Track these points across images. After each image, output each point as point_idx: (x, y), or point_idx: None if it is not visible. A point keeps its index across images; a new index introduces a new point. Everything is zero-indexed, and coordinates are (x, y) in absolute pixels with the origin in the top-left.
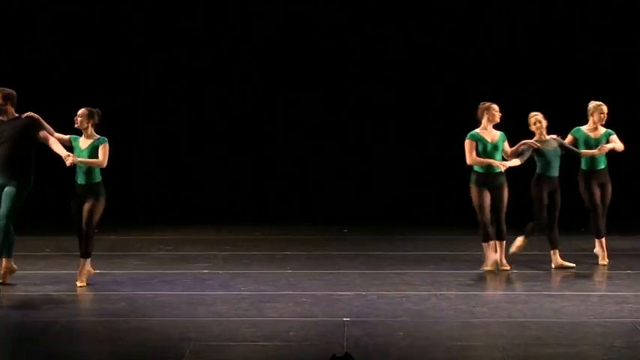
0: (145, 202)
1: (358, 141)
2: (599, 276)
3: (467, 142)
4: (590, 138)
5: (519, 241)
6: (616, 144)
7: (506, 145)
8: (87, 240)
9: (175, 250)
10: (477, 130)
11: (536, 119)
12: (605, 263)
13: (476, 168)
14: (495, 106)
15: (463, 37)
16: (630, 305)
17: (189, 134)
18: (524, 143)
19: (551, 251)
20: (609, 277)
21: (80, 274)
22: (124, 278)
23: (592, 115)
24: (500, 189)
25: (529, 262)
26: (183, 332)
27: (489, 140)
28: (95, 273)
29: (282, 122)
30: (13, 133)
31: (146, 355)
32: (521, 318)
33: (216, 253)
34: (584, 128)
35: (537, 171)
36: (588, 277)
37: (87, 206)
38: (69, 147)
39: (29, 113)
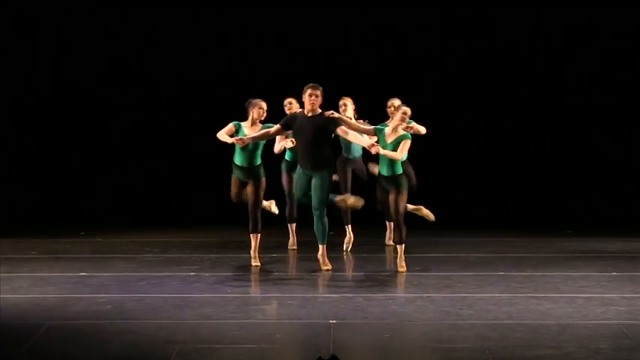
0: (132, 205)
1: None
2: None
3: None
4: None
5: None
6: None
7: None
8: (401, 229)
9: (163, 252)
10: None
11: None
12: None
13: (287, 157)
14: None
15: (463, 37)
16: (616, 307)
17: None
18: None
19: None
20: (596, 279)
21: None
22: (110, 281)
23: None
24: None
25: (516, 263)
26: (170, 335)
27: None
28: None
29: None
30: (315, 129)
31: (133, 358)
32: (508, 320)
33: (203, 256)
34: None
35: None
36: (574, 279)
37: (392, 197)
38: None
39: (331, 112)
